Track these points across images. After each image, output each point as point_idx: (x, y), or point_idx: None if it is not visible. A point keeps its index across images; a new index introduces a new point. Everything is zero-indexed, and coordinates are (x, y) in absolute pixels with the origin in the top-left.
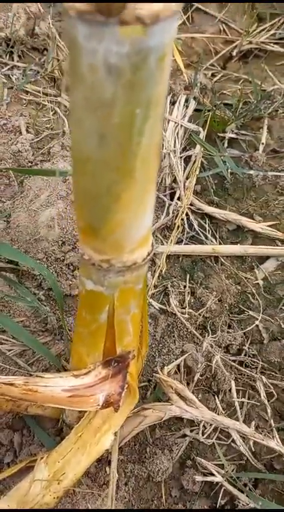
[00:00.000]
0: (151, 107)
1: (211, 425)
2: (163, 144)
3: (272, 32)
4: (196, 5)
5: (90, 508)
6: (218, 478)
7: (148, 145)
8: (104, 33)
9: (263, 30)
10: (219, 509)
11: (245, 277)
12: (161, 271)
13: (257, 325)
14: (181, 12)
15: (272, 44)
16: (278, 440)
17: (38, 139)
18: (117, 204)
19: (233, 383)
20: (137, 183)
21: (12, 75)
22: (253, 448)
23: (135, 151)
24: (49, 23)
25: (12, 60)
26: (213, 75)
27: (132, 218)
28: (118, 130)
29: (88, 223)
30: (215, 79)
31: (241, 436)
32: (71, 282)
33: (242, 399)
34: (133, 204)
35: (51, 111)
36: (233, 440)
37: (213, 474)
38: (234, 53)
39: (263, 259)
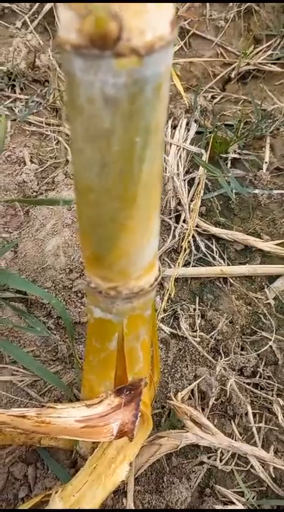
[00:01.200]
0: (151, 134)
1: (228, 451)
2: (166, 168)
3: (269, 52)
4: (193, 30)
5: None
6: (239, 507)
7: (149, 172)
8: (100, 65)
9: (260, 51)
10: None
11: (256, 298)
12: (170, 294)
13: (270, 346)
14: (178, 38)
15: (269, 65)
16: None
17: (42, 169)
18: (122, 231)
19: (249, 407)
20: (140, 210)
21: (15, 108)
22: (274, 474)
23: (136, 179)
24: (49, 55)
25: (15, 92)
26: (212, 97)
27: (137, 245)
28: (118, 159)
29: (94, 251)
30: (215, 101)
31: (260, 462)
32: (79, 310)
33: (260, 423)
34: (138, 231)
35: (54, 140)
36: (252, 466)
37: (233, 502)
38: (233, 75)
39: (273, 278)
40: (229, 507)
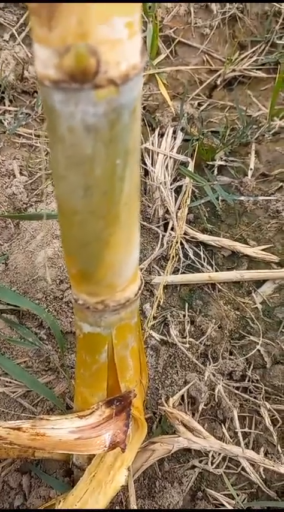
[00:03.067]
0: (129, 155)
1: (219, 454)
2: (153, 177)
3: (254, 58)
4: (178, 38)
5: None
6: (229, 509)
7: (129, 189)
8: (80, 97)
9: (245, 57)
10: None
11: (244, 302)
12: (159, 302)
13: (258, 350)
14: (164, 46)
15: (255, 70)
16: None
17: (32, 180)
18: (107, 248)
19: (235, 412)
20: (123, 225)
21: (4, 120)
22: (264, 475)
23: (118, 198)
24: None
25: (4, 105)
26: (199, 104)
27: (121, 258)
28: (101, 181)
29: (81, 269)
30: (201, 108)
31: (250, 464)
32: (71, 319)
33: (249, 426)
34: (122, 245)
35: (44, 152)
36: (243, 469)
37: (224, 505)
38: (219, 82)
39: (260, 283)
40: (220, 510)
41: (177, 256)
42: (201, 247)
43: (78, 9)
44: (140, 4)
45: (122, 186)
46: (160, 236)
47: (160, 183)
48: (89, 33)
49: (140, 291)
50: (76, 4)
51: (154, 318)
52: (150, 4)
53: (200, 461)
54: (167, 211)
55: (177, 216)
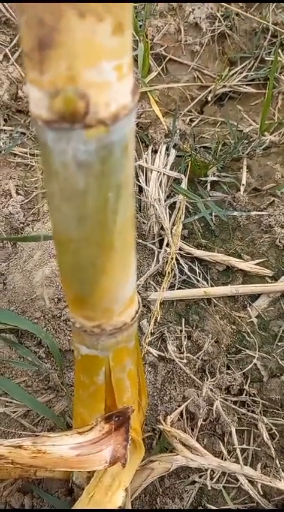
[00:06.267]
0: (122, 188)
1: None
2: (147, 194)
3: (244, 74)
4: (169, 56)
5: None
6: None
7: (123, 220)
8: (71, 136)
9: (235, 73)
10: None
11: (239, 317)
12: (156, 318)
13: (255, 364)
14: (156, 64)
15: (244, 86)
16: None
17: (28, 200)
18: (102, 274)
19: (233, 429)
20: (118, 253)
21: (0, 140)
22: (264, 489)
23: (112, 228)
24: None
25: None
26: (191, 120)
27: (117, 284)
28: (94, 213)
29: (77, 294)
30: (193, 124)
31: (249, 480)
32: (69, 337)
33: (247, 440)
34: (117, 272)
35: (39, 170)
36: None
37: None
38: (209, 98)
39: (255, 297)
40: None
41: (173, 272)
42: (196, 263)
43: (67, 55)
44: (130, 47)
45: (115, 218)
46: (156, 252)
47: (155, 200)
48: (78, 78)
49: (137, 315)
50: (65, 49)
51: (152, 334)
52: (140, 23)
53: (200, 477)
54: (162, 228)
55: (171, 232)
